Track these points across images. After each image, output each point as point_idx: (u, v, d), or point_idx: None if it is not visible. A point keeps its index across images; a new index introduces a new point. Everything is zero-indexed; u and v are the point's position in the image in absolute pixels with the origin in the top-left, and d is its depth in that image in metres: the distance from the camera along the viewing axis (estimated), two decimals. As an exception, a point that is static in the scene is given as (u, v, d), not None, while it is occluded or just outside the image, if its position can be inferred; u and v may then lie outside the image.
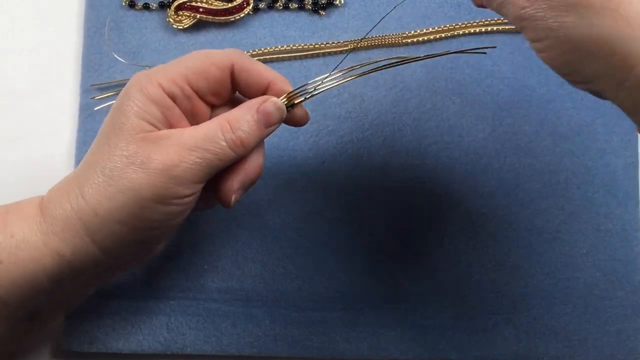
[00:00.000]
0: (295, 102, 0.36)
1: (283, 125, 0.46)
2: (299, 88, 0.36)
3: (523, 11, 0.29)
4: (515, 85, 0.47)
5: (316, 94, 0.36)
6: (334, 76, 0.37)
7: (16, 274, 0.32)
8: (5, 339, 0.35)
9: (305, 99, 0.36)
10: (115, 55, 0.46)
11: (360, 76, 0.37)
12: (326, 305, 0.44)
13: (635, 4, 0.27)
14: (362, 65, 0.37)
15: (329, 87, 0.37)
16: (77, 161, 0.45)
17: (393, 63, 0.38)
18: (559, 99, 0.47)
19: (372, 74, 0.46)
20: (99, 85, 0.46)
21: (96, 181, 0.32)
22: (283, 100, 0.35)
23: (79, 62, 0.47)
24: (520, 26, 0.30)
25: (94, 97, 0.46)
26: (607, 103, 0.46)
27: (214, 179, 0.35)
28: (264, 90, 0.35)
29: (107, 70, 0.46)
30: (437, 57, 0.47)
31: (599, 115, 0.47)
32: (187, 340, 0.44)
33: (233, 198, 0.35)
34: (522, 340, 0.44)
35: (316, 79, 0.37)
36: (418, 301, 0.44)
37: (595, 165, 0.46)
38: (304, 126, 0.45)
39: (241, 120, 0.34)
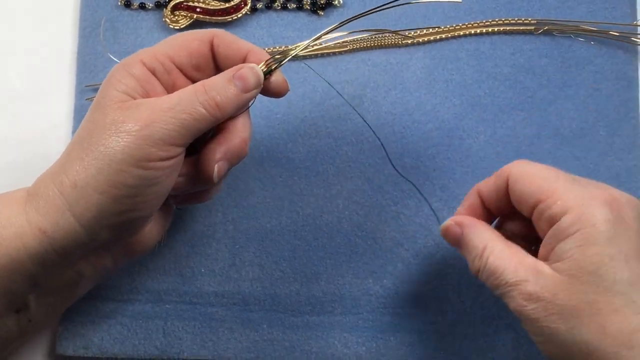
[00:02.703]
0: (273, 67, 0.36)
1: (281, 127, 0.45)
2: (276, 55, 0.36)
3: (522, 309, 0.32)
4: (516, 87, 0.46)
5: (291, 56, 0.37)
6: (311, 41, 0.38)
7: (0, 254, 0.32)
8: None
9: (281, 63, 0.36)
10: (111, 56, 0.46)
11: (332, 40, 0.39)
12: (324, 310, 0.44)
13: (617, 324, 0.30)
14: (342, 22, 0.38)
15: (303, 49, 0.38)
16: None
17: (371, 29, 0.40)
18: (560, 101, 0.46)
19: (371, 74, 0.46)
20: (94, 86, 0.46)
21: (75, 154, 0.33)
22: (261, 67, 0.36)
23: (74, 63, 0.46)
24: (519, 317, 0.33)
25: (89, 98, 0.45)
26: (610, 105, 0.46)
27: (199, 157, 0.36)
28: (242, 61, 0.36)
29: (103, 71, 0.46)
30: (438, 58, 0.47)
31: (601, 117, 0.46)
32: (183, 345, 0.43)
33: (216, 168, 0.35)
34: (523, 346, 0.43)
35: (294, 46, 0.37)
36: (418, 306, 0.44)
37: (597, 169, 0.45)
38: (303, 129, 0.45)
39: (217, 83, 0.35)
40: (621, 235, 0.31)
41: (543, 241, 0.33)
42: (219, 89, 0.34)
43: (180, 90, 0.34)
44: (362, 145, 0.45)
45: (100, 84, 0.45)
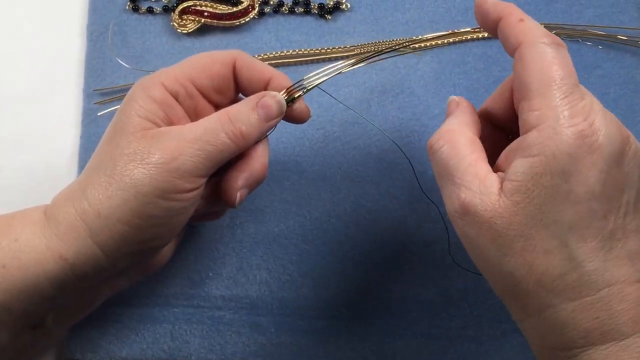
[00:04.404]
0: (295, 96, 0.36)
1: (289, 131, 0.45)
2: (297, 82, 0.36)
3: (453, 218, 0.31)
4: (523, 91, 0.46)
5: (314, 86, 0.37)
6: (332, 69, 0.37)
7: (19, 278, 0.32)
8: (7, 348, 0.34)
9: (304, 92, 0.36)
10: (119, 60, 0.46)
11: (355, 66, 0.38)
12: (332, 313, 0.44)
13: (544, 265, 0.29)
14: (359, 60, 0.37)
15: (326, 79, 0.37)
16: (80, 167, 0.45)
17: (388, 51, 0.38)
18: (568, 105, 0.46)
19: (379, 79, 0.46)
20: (102, 90, 0.46)
21: (98, 182, 0.32)
22: (283, 95, 0.36)
23: (82, 67, 0.47)
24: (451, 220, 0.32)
25: (97, 102, 0.45)
26: (617, 110, 0.46)
27: (219, 180, 0.35)
28: (264, 86, 0.36)
29: (111, 75, 0.46)
30: (445, 63, 0.47)
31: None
32: (191, 349, 0.43)
33: (238, 195, 0.35)
34: (530, 350, 0.43)
35: (314, 73, 0.37)
36: (425, 309, 0.44)
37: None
38: (310, 132, 0.46)
39: (241, 112, 0.34)
40: (579, 174, 0.28)
41: (508, 146, 0.31)
42: (244, 118, 0.34)
43: (204, 120, 0.34)
44: (370, 149, 0.45)
45: (109, 88, 0.46)
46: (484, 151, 0.32)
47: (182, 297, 0.44)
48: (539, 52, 0.30)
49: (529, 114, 0.29)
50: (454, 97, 0.36)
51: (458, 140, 0.32)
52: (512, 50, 0.32)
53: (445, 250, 0.44)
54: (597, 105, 0.30)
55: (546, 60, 0.30)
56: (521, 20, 0.32)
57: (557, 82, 0.29)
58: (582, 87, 0.30)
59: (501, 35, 0.33)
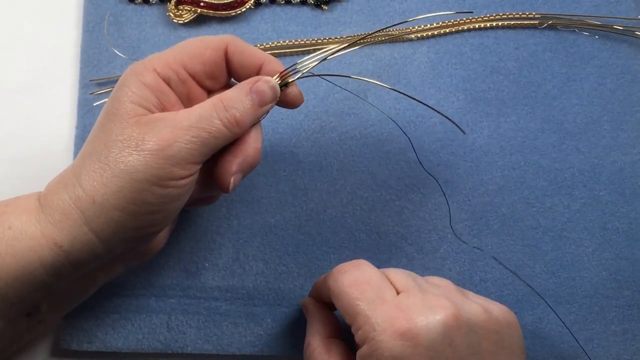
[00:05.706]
0: (289, 80, 0.36)
1: (285, 122, 0.45)
2: (290, 67, 0.36)
3: None
4: (520, 81, 0.46)
5: (307, 69, 0.36)
6: (324, 53, 0.37)
7: (13, 266, 0.31)
8: (2, 335, 0.34)
9: (300, 77, 0.36)
10: (115, 50, 0.46)
11: (346, 49, 0.38)
12: (328, 304, 0.44)
13: None
14: (351, 41, 0.37)
15: (318, 62, 0.37)
16: (76, 157, 0.45)
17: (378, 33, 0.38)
18: (564, 95, 0.46)
19: (375, 69, 0.46)
20: (98, 80, 0.46)
21: (92, 168, 0.32)
22: (276, 80, 0.35)
23: (78, 57, 0.46)
24: None
25: (92, 93, 0.45)
26: (614, 100, 0.46)
27: (213, 165, 0.35)
28: (257, 72, 0.36)
29: (107, 65, 0.46)
30: (442, 53, 0.47)
31: (605, 112, 0.46)
32: (187, 340, 0.43)
33: (232, 181, 0.35)
34: (526, 340, 0.43)
35: (307, 57, 0.37)
36: (421, 300, 0.44)
37: (601, 163, 0.45)
38: (306, 123, 0.45)
39: (235, 99, 0.34)
40: None
41: (357, 351, 0.34)
42: (238, 105, 0.34)
43: (198, 106, 0.33)
44: (366, 139, 0.45)
45: (105, 78, 0.46)
46: (340, 348, 0.37)
47: (178, 287, 0.44)
48: (339, 285, 0.36)
49: (357, 334, 0.34)
50: (303, 303, 0.42)
51: (315, 354, 0.37)
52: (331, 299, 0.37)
53: (441, 239, 0.44)
54: (416, 296, 0.34)
55: (348, 281, 0.35)
56: (324, 278, 0.39)
57: (362, 299, 0.34)
58: (403, 280, 0.36)
59: (327, 297, 0.38)
